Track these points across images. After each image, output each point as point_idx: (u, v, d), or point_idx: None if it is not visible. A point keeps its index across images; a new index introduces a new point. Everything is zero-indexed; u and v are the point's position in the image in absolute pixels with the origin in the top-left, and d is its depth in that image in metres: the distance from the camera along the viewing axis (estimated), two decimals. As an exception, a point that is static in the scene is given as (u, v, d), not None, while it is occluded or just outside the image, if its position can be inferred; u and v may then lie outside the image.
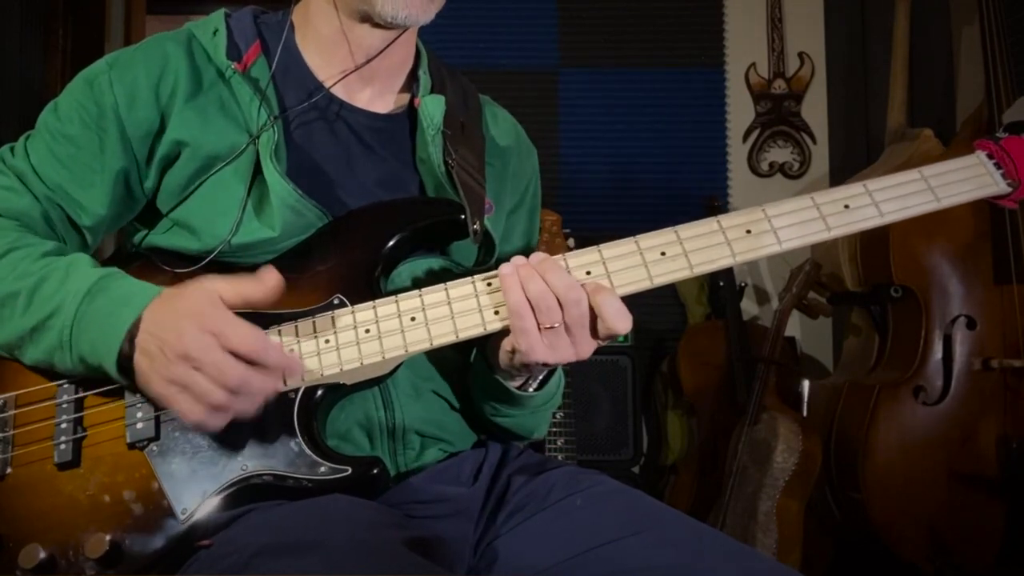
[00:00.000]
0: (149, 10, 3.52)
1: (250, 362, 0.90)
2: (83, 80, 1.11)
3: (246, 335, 0.90)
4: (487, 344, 1.08)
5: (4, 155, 1.12)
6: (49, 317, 0.97)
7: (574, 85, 3.45)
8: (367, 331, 1.00)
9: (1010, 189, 1.03)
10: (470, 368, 1.15)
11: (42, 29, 3.03)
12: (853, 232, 1.01)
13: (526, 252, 1.26)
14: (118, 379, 0.95)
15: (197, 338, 0.89)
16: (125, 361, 0.94)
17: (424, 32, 1.23)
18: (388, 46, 1.15)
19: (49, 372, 1.01)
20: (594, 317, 0.96)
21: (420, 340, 1.00)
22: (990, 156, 1.04)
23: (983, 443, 2.52)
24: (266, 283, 0.95)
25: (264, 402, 0.93)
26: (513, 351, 1.00)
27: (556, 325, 0.95)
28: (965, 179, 1.03)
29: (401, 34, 1.15)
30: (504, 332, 1.01)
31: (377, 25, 1.12)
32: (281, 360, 0.93)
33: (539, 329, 0.95)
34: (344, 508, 0.93)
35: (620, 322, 0.95)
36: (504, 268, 0.97)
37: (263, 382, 0.92)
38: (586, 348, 0.97)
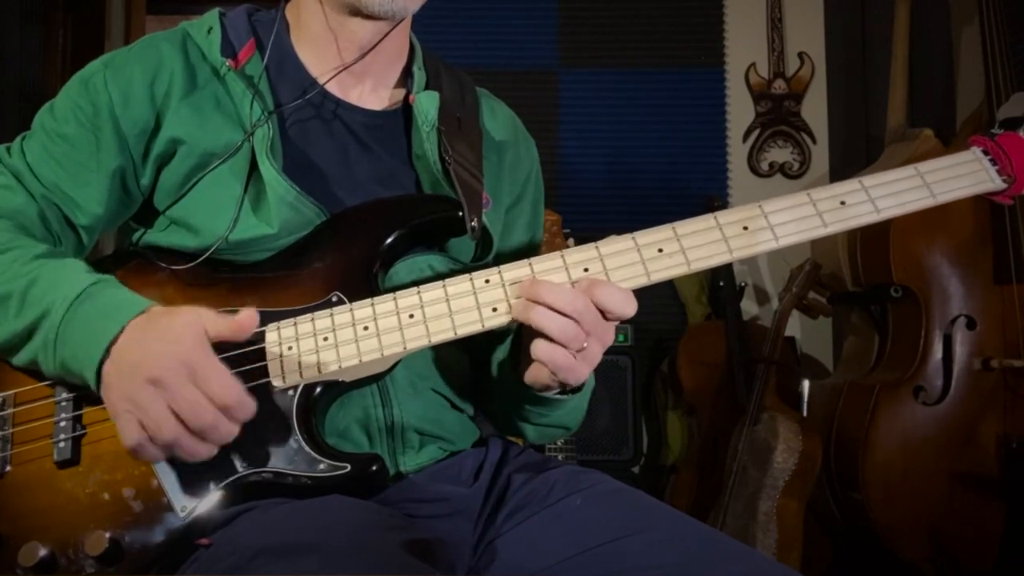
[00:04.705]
0: (149, 10, 3.52)
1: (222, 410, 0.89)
2: (78, 80, 1.11)
3: (228, 385, 0.89)
4: (518, 367, 1.06)
5: (0, 155, 1.11)
6: (37, 320, 0.96)
7: (574, 85, 3.45)
8: (365, 328, 1.00)
9: (1005, 185, 1.03)
10: (492, 382, 1.15)
11: (42, 29, 3.04)
12: (850, 228, 1.01)
13: (531, 247, 1.26)
14: (95, 390, 0.93)
15: (173, 368, 0.87)
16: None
17: (424, 32, 1.24)
18: (380, 41, 1.15)
19: (37, 375, 1.00)
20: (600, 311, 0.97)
21: (418, 337, 0.99)
22: (985, 152, 1.03)
23: (983, 443, 2.52)
24: (243, 327, 0.93)
25: (214, 452, 0.91)
26: (554, 376, 1.00)
27: (586, 345, 0.96)
28: (960, 175, 1.02)
29: (393, 28, 1.15)
30: (507, 332, 1.00)
31: (367, 18, 1.12)
32: (250, 414, 0.92)
33: (574, 357, 0.96)
34: (344, 510, 0.93)
35: (626, 308, 0.96)
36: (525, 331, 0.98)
37: (229, 431, 0.90)
38: (608, 337, 0.99)
